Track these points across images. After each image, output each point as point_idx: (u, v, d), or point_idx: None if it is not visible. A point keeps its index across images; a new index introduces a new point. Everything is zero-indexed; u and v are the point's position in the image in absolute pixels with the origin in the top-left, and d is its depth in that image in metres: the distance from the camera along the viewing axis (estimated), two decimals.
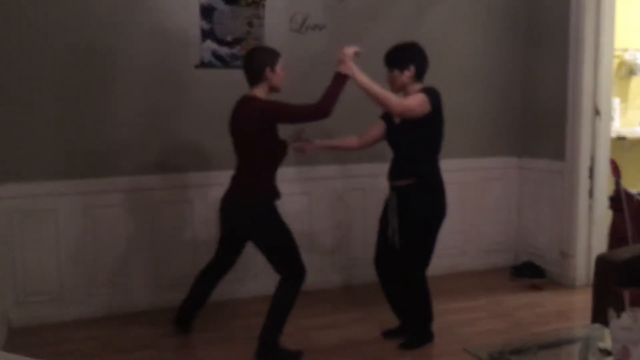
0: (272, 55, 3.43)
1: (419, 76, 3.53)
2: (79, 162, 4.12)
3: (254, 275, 4.51)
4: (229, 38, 4.31)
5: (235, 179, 3.53)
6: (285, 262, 3.50)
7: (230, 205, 3.52)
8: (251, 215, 3.44)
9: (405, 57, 3.50)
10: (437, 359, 3.59)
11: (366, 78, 3.30)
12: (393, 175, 3.60)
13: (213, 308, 4.30)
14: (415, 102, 3.37)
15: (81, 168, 4.13)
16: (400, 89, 3.52)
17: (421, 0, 4.81)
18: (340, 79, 3.32)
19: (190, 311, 3.83)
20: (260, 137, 3.36)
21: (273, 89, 3.44)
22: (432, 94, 3.44)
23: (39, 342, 3.82)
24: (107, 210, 4.19)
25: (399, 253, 3.62)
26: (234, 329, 4.00)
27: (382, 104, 3.39)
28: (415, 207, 3.52)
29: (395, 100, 3.35)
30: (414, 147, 3.52)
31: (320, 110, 3.31)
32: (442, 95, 4.36)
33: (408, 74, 3.48)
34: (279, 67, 3.42)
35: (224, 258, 3.76)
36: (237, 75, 4.32)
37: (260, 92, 3.40)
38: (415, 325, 3.73)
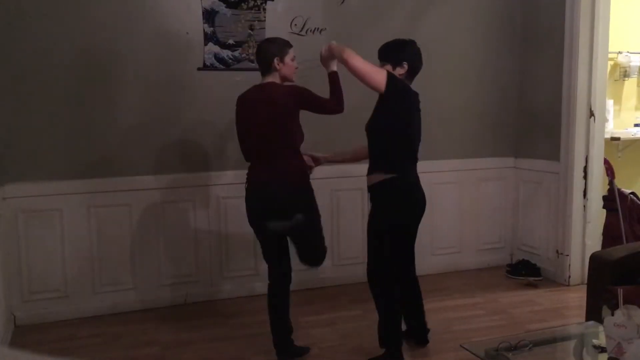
0: (281, 47, 3.40)
1: (411, 74, 3.39)
2: (83, 163, 4.16)
3: (255, 273, 4.58)
4: (230, 41, 4.36)
5: (267, 168, 3.39)
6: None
7: (278, 191, 3.39)
8: (300, 199, 3.40)
9: (400, 53, 3.37)
10: (434, 355, 3.62)
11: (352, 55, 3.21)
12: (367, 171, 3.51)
13: (215, 306, 4.38)
14: (375, 69, 3.21)
15: (86, 168, 4.16)
16: None
17: (420, 4, 4.87)
18: (336, 77, 3.41)
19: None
20: (291, 121, 3.35)
21: (284, 79, 3.42)
22: (397, 81, 3.24)
23: (44, 339, 3.86)
24: (111, 209, 4.23)
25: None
26: (235, 326, 4.05)
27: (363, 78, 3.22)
28: (374, 214, 3.42)
29: (356, 63, 3.19)
30: (378, 140, 3.39)
31: (340, 107, 3.41)
32: (441, 97, 4.41)
33: (400, 70, 3.34)
34: (288, 58, 3.40)
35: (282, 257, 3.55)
36: (239, 78, 4.41)
37: (274, 81, 3.41)
38: (386, 342, 3.47)
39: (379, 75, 3.17)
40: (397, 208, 3.37)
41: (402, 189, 3.37)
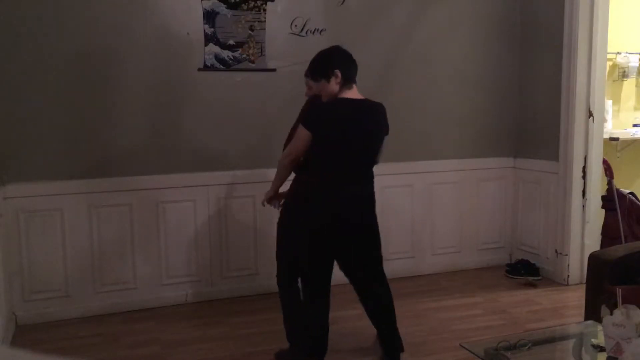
0: None
1: (347, 80, 3.22)
2: (84, 163, 4.16)
3: (255, 273, 4.59)
4: (231, 42, 4.36)
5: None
6: None
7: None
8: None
9: (329, 64, 3.22)
10: (433, 355, 3.63)
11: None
12: None
13: (215, 306, 4.39)
14: (293, 144, 3.28)
15: (86, 168, 4.17)
16: (331, 97, 3.24)
17: (420, 4, 4.87)
18: None
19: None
20: None
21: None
22: (310, 117, 3.26)
23: (45, 339, 3.87)
24: (111, 209, 4.24)
25: None
26: (235, 325, 4.06)
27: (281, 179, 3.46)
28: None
29: (281, 163, 3.38)
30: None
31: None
32: (440, 97, 4.37)
33: (335, 80, 3.19)
34: None
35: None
36: (239, 78, 4.43)
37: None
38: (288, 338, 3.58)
39: (301, 142, 3.21)
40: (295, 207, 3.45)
41: (300, 189, 3.42)
